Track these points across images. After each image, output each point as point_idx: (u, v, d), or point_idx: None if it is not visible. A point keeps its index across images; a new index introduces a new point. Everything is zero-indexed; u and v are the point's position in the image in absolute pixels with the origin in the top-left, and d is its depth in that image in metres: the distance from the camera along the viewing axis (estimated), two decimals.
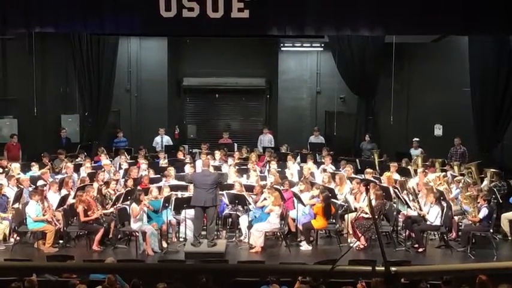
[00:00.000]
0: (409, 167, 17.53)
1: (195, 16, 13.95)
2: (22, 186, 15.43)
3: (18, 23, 14.83)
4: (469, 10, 14.04)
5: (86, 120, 21.57)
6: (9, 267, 5.40)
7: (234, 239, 14.96)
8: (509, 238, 14.92)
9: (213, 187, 14.00)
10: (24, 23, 14.88)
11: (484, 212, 13.96)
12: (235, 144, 21.21)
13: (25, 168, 17.12)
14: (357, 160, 18.91)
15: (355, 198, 15.05)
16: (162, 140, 21.17)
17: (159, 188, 15.21)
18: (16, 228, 14.51)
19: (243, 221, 14.85)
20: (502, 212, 15.05)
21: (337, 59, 21.39)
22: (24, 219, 14.40)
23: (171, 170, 16.48)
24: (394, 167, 16.94)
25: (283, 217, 14.62)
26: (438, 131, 21.74)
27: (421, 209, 14.50)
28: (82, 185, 15.42)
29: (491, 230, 14.15)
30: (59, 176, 16.66)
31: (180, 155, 19.05)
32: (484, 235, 14.33)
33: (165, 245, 14.47)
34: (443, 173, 16.67)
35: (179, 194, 15.22)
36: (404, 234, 14.83)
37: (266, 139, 21.55)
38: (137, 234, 14.15)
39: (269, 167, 17.52)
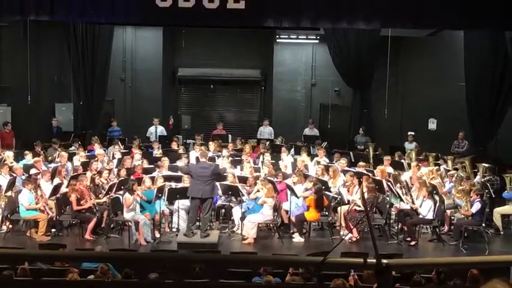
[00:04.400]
0: (402, 160, 17.56)
1: (190, 6, 13.96)
2: (14, 175, 15.40)
3: (14, 10, 14.78)
4: (465, 5, 14.06)
5: (80, 107, 21.53)
6: (1, 254, 5.39)
7: (227, 230, 14.97)
8: (501, 232, 14.98)
9: (211, 179, 13.97)
10: (20, 10, 14.82)
11: (477, 206, 14.00)
12: (230, 136, 21.18)
13: (18, 157, 17.09)
14: (351, 153, 18.92)
15: (348, 191, 15.08)
16: (156, 130, 21.13)
17: (153, 178, 15.19)
18: (9, 216, 14.49)
19: (236, 212, 14.85)
20: (494, 206, 15.11)
21: (332, 52, 21.39)
22: (17, 207, 14.38)
23: (165, 161, 16.47)
24: (388, 161, 16.97)
25: (276, 209, 14.64)
26: (432, 125, 21.77)
27: (413, 203, 14.53)
28: (75, 174, 15.40)
29: (483, 224, 14.19)
30: (52, 165, 16.63)
31: (174, 146, 19.04)
32: (476, 229, 14.38)
33: (157, 235, 14.47)
34: (437, 167, 16.71)
35: (172, 184, 15.20)
36: (396, 228, 14.86)
37: (267, 131, 21.51)
38: (130, 224, 14.14)
39: (263, 158, 17.53)
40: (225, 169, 15.74)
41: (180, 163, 16.59)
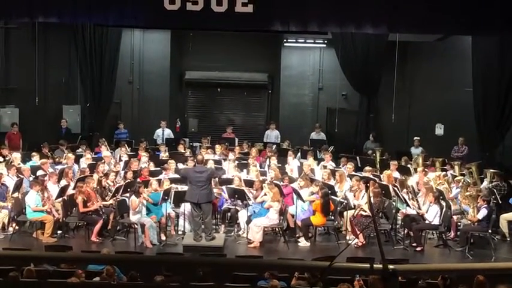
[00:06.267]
0: (409, 165, 17.53)
1: (199, 10, 13.96)
2: (22, 176, 15.44)
3: (22, 12, 14.82)
4: (472, 10, 14.02)
5: (87, 109, 21.58)
6: (7, 256, 5.41)
7: (232, 233, 14.97)
8: (508, 239, 14.92)
9: (207, 183, 13.98)
10: (28, 13, 14.87)
11: (483, 212, 13.97)
12: (236, 139, 21.19)
13: (25, 158, 17.14)
14: (357, 157, 18.89)
15: (355, 196, 15.05)
16: (163, 132, 21.15)
17: (159, 181, 15.21)
18: (15, 217, 14.53)
19: (242, 215, 14.85)
20: (501, 212, 15.05)
21: (340, 56, 21.37)
22: (24, 208, 14.42)
23: (172, 163, 16.48)
24: (394, 166, 16.94)
25: (282, 213, 14.63)
26: (439, 130, 21.72)
27: (419, 208, 14.50)
28: (82, 176, 15.43)
29: (489, 231, 14.14)
30: (59, 167, 16.67)
31: (181, 149, 19.05)
32: (482, 235, 14.34)
33: (163, 237, 14.48)
34: (444, 173, 16.67)
35: (179, 187, 15.22)
36: (402, 233, 14.83)
37: (273, 135, 21.50)
38: (136, 226, 14.16)
39: (269, 162, 17.52)
40: (224, 172, 15.70)
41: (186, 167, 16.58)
